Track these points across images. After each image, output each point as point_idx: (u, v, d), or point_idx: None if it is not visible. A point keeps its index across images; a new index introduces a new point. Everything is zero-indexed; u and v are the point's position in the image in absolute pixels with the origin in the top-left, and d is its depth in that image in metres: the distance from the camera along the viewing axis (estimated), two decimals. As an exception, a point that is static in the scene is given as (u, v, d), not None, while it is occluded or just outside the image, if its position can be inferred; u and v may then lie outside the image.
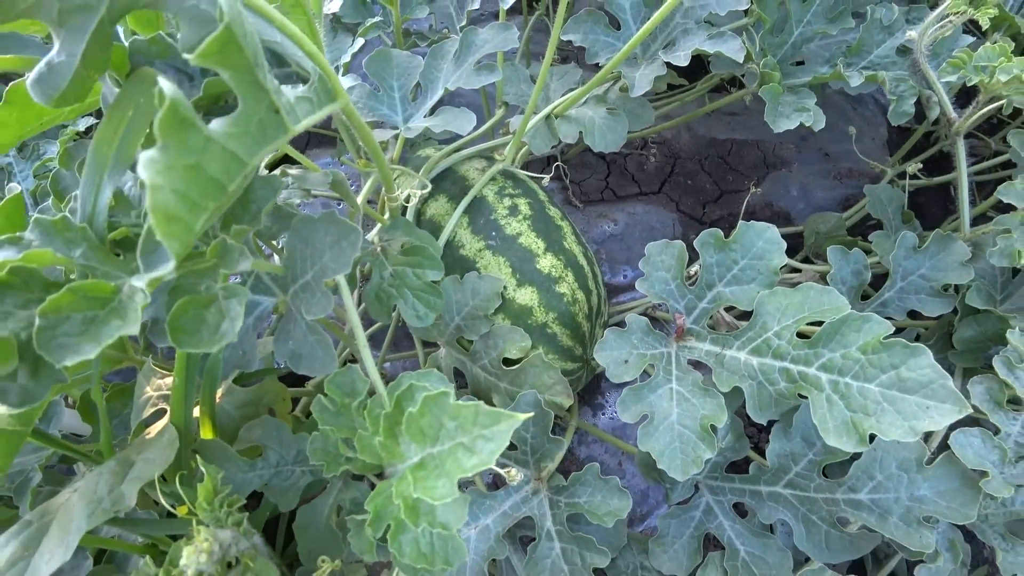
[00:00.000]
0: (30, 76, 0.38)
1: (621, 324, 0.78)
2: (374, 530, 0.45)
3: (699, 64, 1.24)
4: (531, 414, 0.48)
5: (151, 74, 0.40)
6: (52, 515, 0.60)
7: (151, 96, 0.40)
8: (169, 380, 0.79)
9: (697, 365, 0.75)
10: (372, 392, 0.63)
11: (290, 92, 0.40)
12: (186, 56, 0.31)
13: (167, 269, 0.32)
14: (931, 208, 1.41)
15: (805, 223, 1.23)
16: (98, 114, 1.50)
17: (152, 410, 0.77)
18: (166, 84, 0.29)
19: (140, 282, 0.32)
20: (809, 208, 1.38)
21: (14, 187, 0.61)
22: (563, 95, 1.05)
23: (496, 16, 1.65)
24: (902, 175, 1.19)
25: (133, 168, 0.44)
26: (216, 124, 0.33)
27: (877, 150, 1.46)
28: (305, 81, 0.43)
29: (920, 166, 1.12)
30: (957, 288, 0.89)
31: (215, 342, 0.39)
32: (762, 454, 0.76)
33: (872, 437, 0.59)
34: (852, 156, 1.39)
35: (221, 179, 0.33)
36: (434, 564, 0.42)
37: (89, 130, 1.55)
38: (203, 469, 0.52)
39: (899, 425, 0.57)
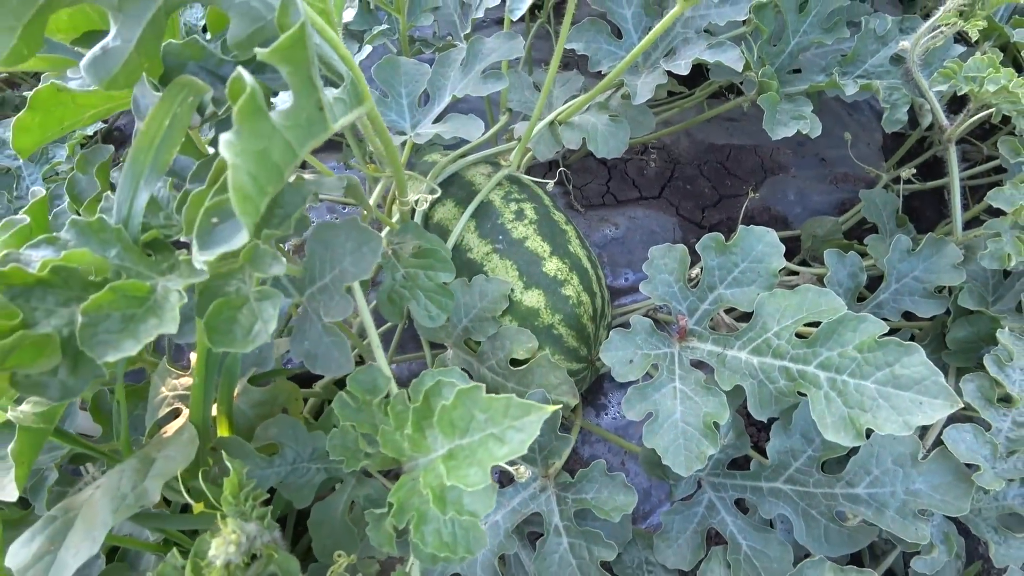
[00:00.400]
0: (85, 59, 0.40)
1: (624, 326, 0.80)
2: (397, 521, 0.47)
3: (698, 71, 1.26)
4: (559, 407, 0.50)
5: (188, 82, 0.43)
6: (76, 511, 0.61)
7: (187, 107, 0.42)
8: (183, 380, 0.80)
9: (699, 365, 0.77)
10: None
11: (329, 93, 0.42)
12: (257, 51, 0.34)
13: (239, 243, 0.34)
14: (925, 212, 1.44)
15: (802, 227, 1.26)
16: (104, 120, 1.53)
17: (167, 409, 0.78)
18: (246, 75, 0.32)
19: (204, 256, 0.35)
20: (806, 212, 1.41)
21: (38, 190, 0.63)
22: (565, 102, 1.07)
23: (498, 23, 1.68)
24: (897, 180, 1.22)
25: (168, 174, 0.46)
26: (274, 115, 0.36)
27: (872, 155, 1.49)
28: (334, 85, 0.45)
29: (914, 171, 1.15)
30: (950, 290, 0.92)
31: (248, 343, 0.41)
32: (762, 452, 0.78)
33: (869, 432, 0.61)
34: (848, 161, 1.42)
35: (280, 166, 0.36)
36: (456, 552, 0.44)
37: (95, 134, 1.57)
38: (228, 464, 0.54)
39: (894, 420, 0.59)
